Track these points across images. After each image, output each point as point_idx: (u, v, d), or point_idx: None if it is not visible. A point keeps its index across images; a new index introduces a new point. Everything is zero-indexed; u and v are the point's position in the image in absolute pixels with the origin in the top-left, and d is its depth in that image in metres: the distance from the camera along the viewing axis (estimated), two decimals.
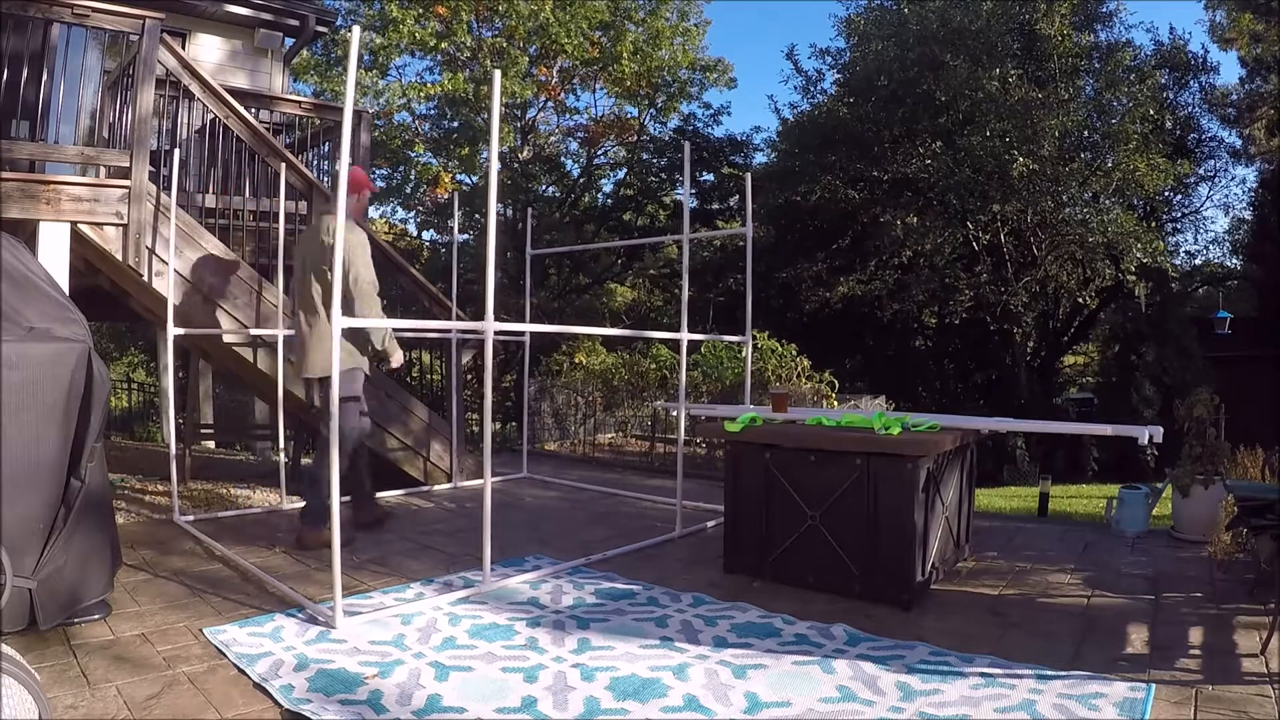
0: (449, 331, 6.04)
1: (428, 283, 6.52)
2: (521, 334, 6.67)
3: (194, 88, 5.03)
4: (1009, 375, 16.42)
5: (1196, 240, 33.88)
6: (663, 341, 10.11)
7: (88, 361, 2.79)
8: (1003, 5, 14.90)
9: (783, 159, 17.93)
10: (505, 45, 15.63)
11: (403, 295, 6.41)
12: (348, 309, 3.95)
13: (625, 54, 15.98)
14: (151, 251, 4.68)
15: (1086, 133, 15.10)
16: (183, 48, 6.04)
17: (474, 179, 17.27)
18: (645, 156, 19.17)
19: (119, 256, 4.56)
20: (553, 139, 19.38)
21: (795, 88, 18.61)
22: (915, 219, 15.86)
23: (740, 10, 46.81)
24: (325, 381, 4.00)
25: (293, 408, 5.25)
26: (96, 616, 2.93)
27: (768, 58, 51.48)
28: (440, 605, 3.22)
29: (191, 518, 4.68)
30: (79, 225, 4.40)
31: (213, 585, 3.45)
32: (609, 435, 10.10)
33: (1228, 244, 21.31)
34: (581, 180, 19.68)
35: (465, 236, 17.51)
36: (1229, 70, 32.30)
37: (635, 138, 18.75)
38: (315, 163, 6.80)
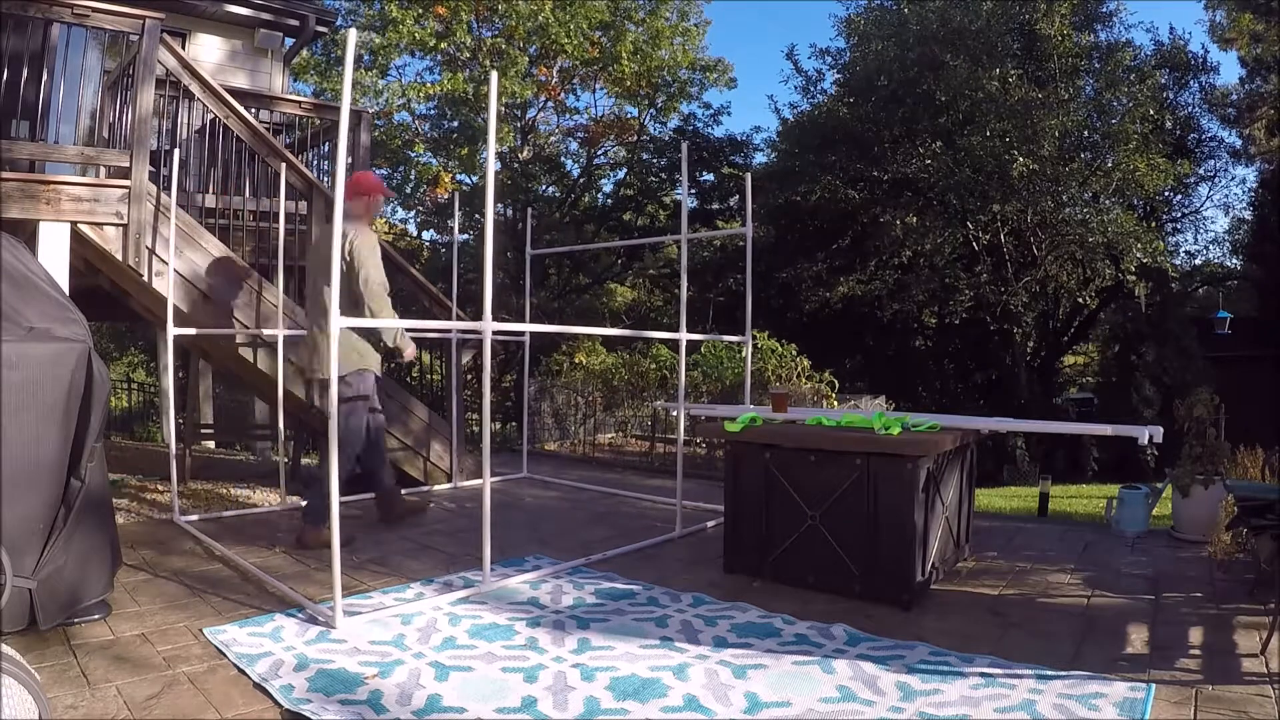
0: (449, 331, 6.03)
1: (428, 283, 6.52)
2: (521, 334, 6.67)
3: (194, 88, 5.03)
4: (1009, 375, 16.42)
5: (1196, 240, 33.97)
6: (663, 341, 10.11)
7: (88, 361, 2.79)
8: (1003, 5, 14.91)
9: (783, 159, 17.94)
10: (505, 45, 15.63)
11: (403, 295, 6.41)
12: (358, 309, 4.06)
13: (625, 54, 15.98)
14: (151, 251, 4.68)
15: (1086, 133, 15.11)
16: (183, 48, 6.04)
17: (474, 179, 17.27)
18: (645, 156, 19.17)
19: (119, 256, 4.56)
20: (553, 139, 19.39)
21: (795, 88, 18.65)
22: (915, 219, 15.86)
23: (740, 10, 46.85)
24: (340, 380, 4.06)
25: (293, 408, 5.25)
26: (96, 616, 2.93)
27: (768, 58, 51.52)
28: (440, 605, 3.22)
29: (191, 518, 4.68)
30: (79, 225, 4.40)
31: (213, 585, 3.45)
32: (609, 435, 10.10)
33: (1228, 244, 21.35)
34: (581, 180, 19.69)
35: (465, 236, 17.52)
36: (1229, 70, 32.35)
37: (635, 138, 18.75)
38: (315, 163, 6.80)
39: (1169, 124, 16.77)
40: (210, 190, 5.41)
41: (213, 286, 4.94)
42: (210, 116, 5.18)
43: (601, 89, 18.09)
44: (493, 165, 3.72)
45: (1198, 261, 21.05)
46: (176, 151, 4.79)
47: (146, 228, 4.64)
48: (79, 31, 4.76)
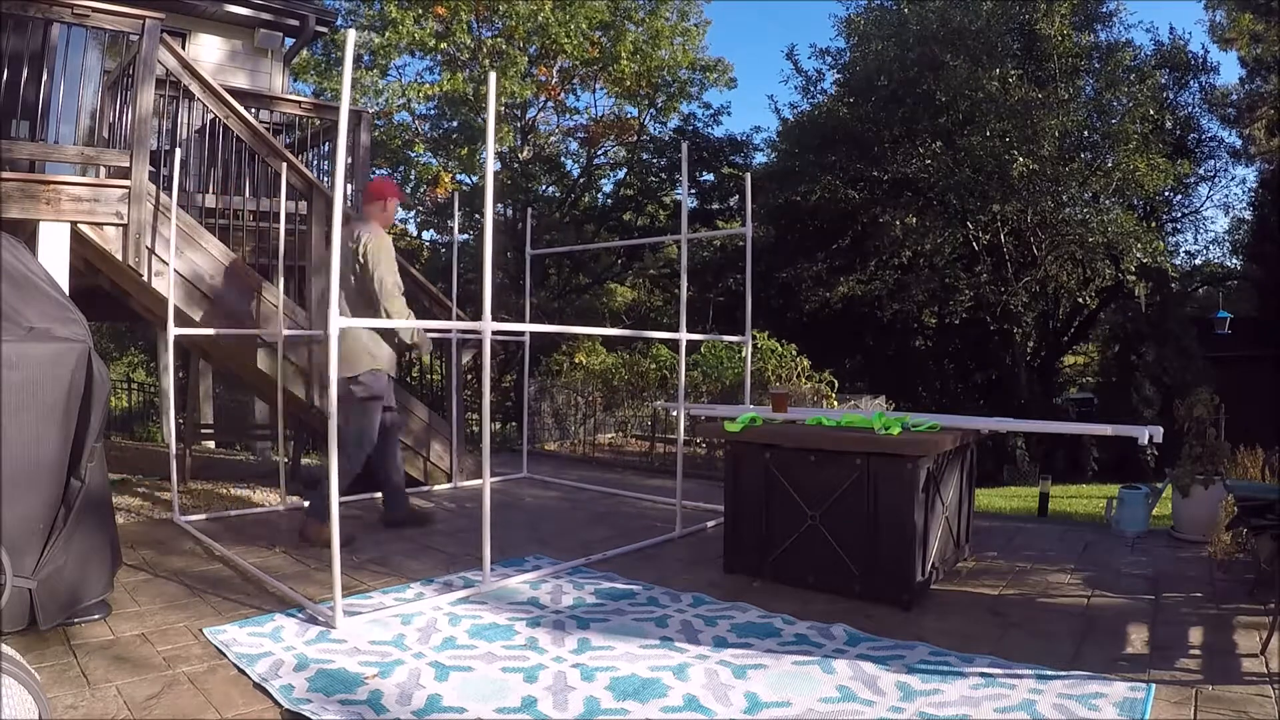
0: (449, 331, 6.03)
1: (428, 283, 6.52)
2: (521, 334, 6.67)
3: (194, 88, 5.03)
4: (1009, 375, 16.42)
5: (1196, 240, 33.96)
6: (663, 341, 10.11)
7: (88, 361, 2.79)
8: (1003, 5, 14.91)
9: (783, 159, 17.94)
10: (505, 45, 15.63)
11: (404, 295, 6.40)
12: (373, 310, 4.17)
13: (625, 54, 15.99)
14: (151, 251, 4.68)
15: (1086, 133, 15.11)
16: (183, 48, 6.04)
17: (474, 179, 17.27)
18: (645, 156, 19.17)
19: (119, 256, 4.56)
20: (553, 139, 19.39)
21: (795, 88, 18.66)
22: (915, 219, 15.87)
23: (740, 10, 46.86)
24: (350, 381, 4.25)
25: (293, 408, 5.25)
26: (96, 616, 2.93)
27: (768, 58, 51.55)
28: (440, 605, 3.22)
29: (191, 518, 4.68)
30: (79, 225, 4.40)
31: (213, 585, 3.45)
32: (609, 435, 10.10)
33: (1228, 244, 21.36)
34: (581, 180, 19.69)
35: (465, 236, 17.52)
36: (1229, 70, 32.35)
37: (635, 138, 18.75)
38: (315, 163, 6.80)
39: (1169, 124, 16.77)
40: (210, 190, 5.41)
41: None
42: (210, 116, 5.18)
43: (601, 89, 18.10)
44: (492, 165, 3.73)
45: (1198, 261, 21.08)
46: (176, 151, 4.79)
47: (146, 228, 4.64)
48: (79, 31, 4.76)
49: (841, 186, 15.98)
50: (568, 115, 18.96)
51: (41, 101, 4.86)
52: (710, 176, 19.28)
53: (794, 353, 8.56)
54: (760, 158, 19.35)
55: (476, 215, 16.93)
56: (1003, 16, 14.88)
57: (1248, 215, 19.54)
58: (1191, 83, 17.71)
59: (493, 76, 3.52)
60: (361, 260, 4.17)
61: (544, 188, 18.78)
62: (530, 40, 15.80)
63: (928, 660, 2.66)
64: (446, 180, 16.95)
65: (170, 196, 4.63)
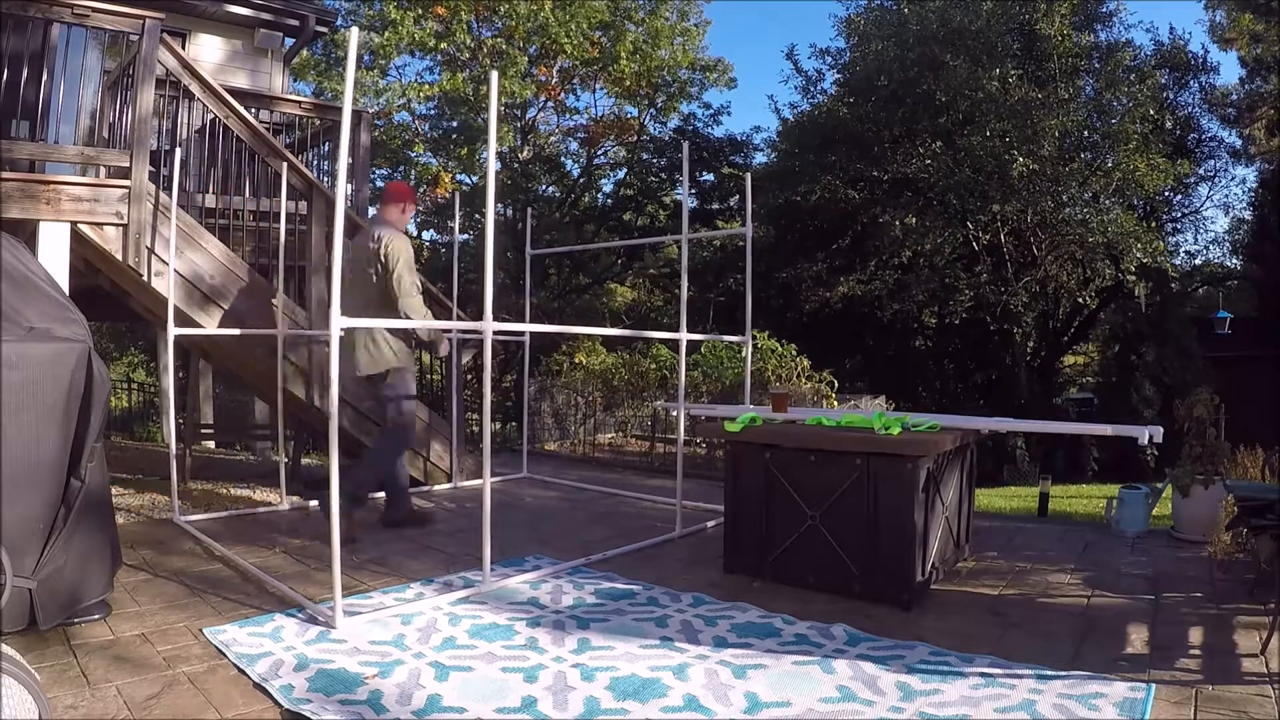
0: (449, 331, 6.03)
1: (428, 282, 6.51)
2: (521, 334, 6.67)
3: (194, 88, 5.03)
4: (1009, 375, 16.42)
5: (1196, 240, 33.95)
6: (663, 341, 10.12)
7: (88, 361, 2.79)
8: (1003, 5, 14.91)
9: (783, 159, 17.94)
10: (505, 45, 15.63)
11: None
12: (391, 308, 4.29)
13: (625, 54, 15.99)
14: (151, 251, 4.69)
15: (1086, 133, 15.11)
16: (183, 48, 6.04)
17: (474, 179, 17.28)
18: (645, 156, 19.17)
19: (119, 256, 4.56)
20: (553, 139, 19.39)
21: (795, 88, 18.66)
22: (915, 219, 15.87)
23: (740, 10, 46.85)
24: (373, 379, 4.46)
25: (293, 408, 5.25)
26: (96, 616, 2.93)
27: (768, 58, 51.52)
28: (440, 605, 3.22)
29: (191, 518, 4.68)
30: (79, 225, 4.40)
31: (213, 585, 3.45)
32: (609, 435, 10.10)
33: (1228, 244, 21.36)
34: (581, 180, 19.69)
35: (465, 236, 17.53)
36: (1229, 70, 32.35)
37: (635, 138, 18.75)
38: (315, 163, 6.80)
39: (1169, 124, 16.78)
40: (210, 190, 5.41)
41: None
42: (210, 116, 5.18)
43: (601, 89, 18.10)
44: (493, 165, 3.73)
45: (1198, 261, 21.08)
46: (176, 151, 4.79)
47: (146, 228, 4.64)
48: (79, 31, 4.76)
49: (841, 186, 15.98)
50: (568, 115, 19.00)
51: (41, 101, 4.86)
52: (710, 176, 19.28)
53: (794, 353, 8.56)
54: (760, 158, 19.38)
55: (476, 215, 16.94)
56: (1003, 16, 14.88)
57: (1248, 215, 19.55)
58: (1191, 83, 17.72)
59: (494, 76, 3.53)
60: (382, 260, 4.29)
61: (544, 188, 18.78)
62: (530, 40, 15.81)
63: (928, 660, 2.66)
64: (446, 180, 16.95)
65: (170, 196, 4.63)
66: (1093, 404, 19.40)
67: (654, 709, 2.32)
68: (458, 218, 11.05)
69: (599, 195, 20.47)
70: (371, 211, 5.96)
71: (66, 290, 3.50)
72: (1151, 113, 15.18)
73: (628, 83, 16.83)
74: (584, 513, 5.27)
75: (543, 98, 17.59)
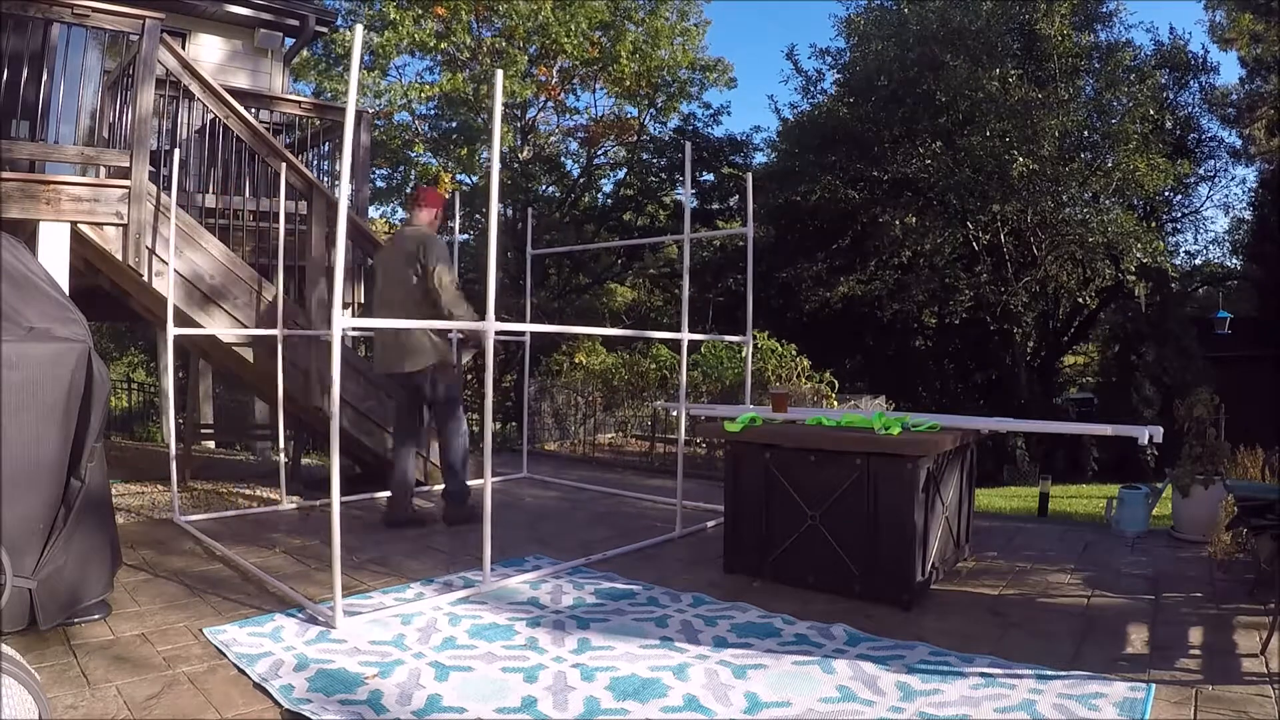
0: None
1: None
2: (521, 334, 6.67)
3: (194, 88, 5.03)
4: (1009, 375, 16.42)
5: (1196, 240, 33.92)
6: (663, 341, 10.11)
7: (88, 361, 2.79)
8: (1003, 5, 14.91)
9: (783, 159, 17.94)
10: (505, 45, 15.63)
11: None
12: (435, 308, 4.45)
13: (625, 54, 15.99)
14: (151, 251, 4.68)
15: (1086, 133, 15.11)
16: (183, 48, 6.04)
17: (474, 179, 17.28)
18: (645, 156, 19.17)
19: (119, 256, 4.56)
20: (553, 139, 19.39)
21: (795, 88, 18.71)
22: (915, 219, 15.87)
23: (740, 10, 46.86)
24: (415, 375, 4.59)
25: (293, 408, 5.25)
26: (96, 616, 2.93)
27: (768, 58, 51.50)
28: (440, 605, 3.22)
29: (191, 518, 4.68)
30: (79, 225, 4.40)
31: (213, 585, 3.45)
32: (609, 435, 10.10)
33: (1228, 244, 21.37)
34: (581, 180, 19.69)
35: (465, 236, 17.51)
36: (1229, 70, 32.34)
37: (635, 138, 18.75)
38: (315, 163, 6.79)
39: (1169, 124, 16.78)
40: (210, 190, 5.41)
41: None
42: (210, 116, 5.18)
43: (601, 89, 18.10)
44: (497, 164, 3.73)
45: (1198, 261, 21.08)
46: (176, 151, 4.78)
47: (146, 228, 4.64)
48: (79, 31, 4.76)
49: (841, 186, 15.98)
50: (568, 115, 19.00)
51: (41, 101, 4.86)
52: (710, 176, 19.27)
53: (794, 353, 8.56)
54: (760, 158, 19.38)
55: (477, 215, 16.94)
56: (1003, 16, 14.88)
57: (1248, 215, 19.55)
58: (1191, 83, 17.72)
59: (499, 75, 3.52)
60: (422, 261, 4.42)
61: (544, 188, 18.78)
62: (530, 40, 15.81)
63: (928, 660, 2.66)
64: (446, 180, 16.96)
65: (170, 196, 4.62)
66: (1093, 404, 19.40)
67: (654, 709, 2.32)
68: (458, 218, 11.02)
69: (599, 195, 20.48)
70: (372, 212, 5.98)
71: (66, 290, 3.50)
72: (1151, 113, 15.18)
73: (628, 83, 16.83)
74: (584, 513, 5.27)
75: (543, 98, 17.59)
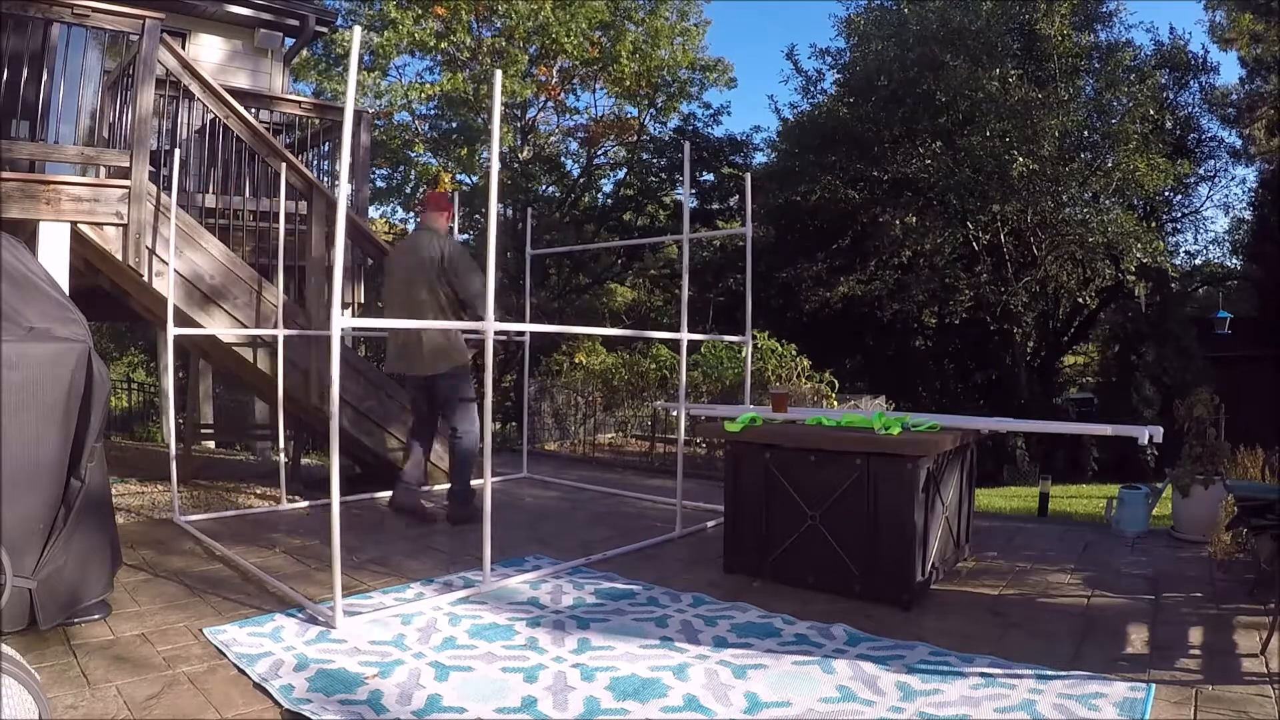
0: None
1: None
2: (521, 334, 6.68)
3: (194, 88, 5.03)
4: (1009, 375, 16.42)
5: (1196, 240, 33.89)
6: (663, 341, 10.11)
7: (88, 361, 2.79)
8: (1003, 5, 14.91)
9: (783, 159, 17.94)
10: (505, 45, 15.63)
11: None
12: (461, 310, 4.62)
13: (625, 54, 15.98)
14: (151, 251, 4.68)
15: (1086, 133, 15.11)
16: (183, 48, 6.04)
17: (474, 179, 17.28)
18: (645, 156, 19.17)
19: (119, 256, 4.56)
20: (553, 139, 19.38)
21: (795, 88, 18.72)
22: (915, 219, 15.87)
23: (740, 10, 46.85)
24: (431, 380, 4.71)
25: (293, 408, 5.25)
26: (96, 616, 2.93)
27: (768, 58, 51.54)
28: (440, 605, 3.22)
29: (191, 518, 4.68)
30: (79, 225, 4.40)
31: (213, 585, 3.45)
32: (609, 435, 10.09)
33: (1228, 244, 21.36)
34: (581, 180, 19.68)
35: (465, 236, 17.52)
36: (1229, 70, 32.33)
37: (635, 138, 18.74)
38: (315, 163, 6.80)
39: (1169, 124, 16.78)
40: (210, 190, 5.41)
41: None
42: (210, 116, 5.18)
43: (601, 89, 18.10)
44: (496, 164, 3.74)
45: (1198, 261, 21.08)
46: (176, 151, 4.78)
47: (146, 228, 4.64)
48: (79, 31, 4.76)
49: (841, 186, 15.98)
50: (568, 115, 18.99)
51: (41, 101, 4.86)
52: (710, 176, 19.27)
53: (794, 353, 8.56)
54: (760, 158, 19.38)
55: (477, 215, 16.94)
56: (1003, 16, 14.88)
57: (1248, 215, 19.55)
58: (1191, 83, 17.73)
59: (498, 76, 3.53)
60: (447, 265, 4.56)
61: (544, 188, 18.78)
62: (530, 40, 15.80)
63: (928, 660, 2.66)
64: (446, 180, 16.95)
65: (170, 196, 4.62)
66: (1093, 404, 19.41)
67: (654, 709, 2.32)
68: (457, 218, 11.03)
69: (599, 195, 20.47)
70: (372, 212, 5.99)
71: (66, 290, 3.49)
72: (1151, 113, 15.18)
73: (628, 83, 16.82)
74: (584, 513, 5.27)
75: (543, 98, 17.59)
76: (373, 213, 17.17)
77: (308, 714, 2.25)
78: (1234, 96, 18.53)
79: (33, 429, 2.64)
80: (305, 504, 5.18)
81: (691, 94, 17.98)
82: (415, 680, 2.49)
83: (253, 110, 5.69)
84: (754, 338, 6.63)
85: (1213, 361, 15.54)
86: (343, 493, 3.23)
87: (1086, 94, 15.16)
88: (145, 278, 4.68)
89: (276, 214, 5.16)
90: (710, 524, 4.67)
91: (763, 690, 2.43)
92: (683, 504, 4.68)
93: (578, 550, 4.13)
